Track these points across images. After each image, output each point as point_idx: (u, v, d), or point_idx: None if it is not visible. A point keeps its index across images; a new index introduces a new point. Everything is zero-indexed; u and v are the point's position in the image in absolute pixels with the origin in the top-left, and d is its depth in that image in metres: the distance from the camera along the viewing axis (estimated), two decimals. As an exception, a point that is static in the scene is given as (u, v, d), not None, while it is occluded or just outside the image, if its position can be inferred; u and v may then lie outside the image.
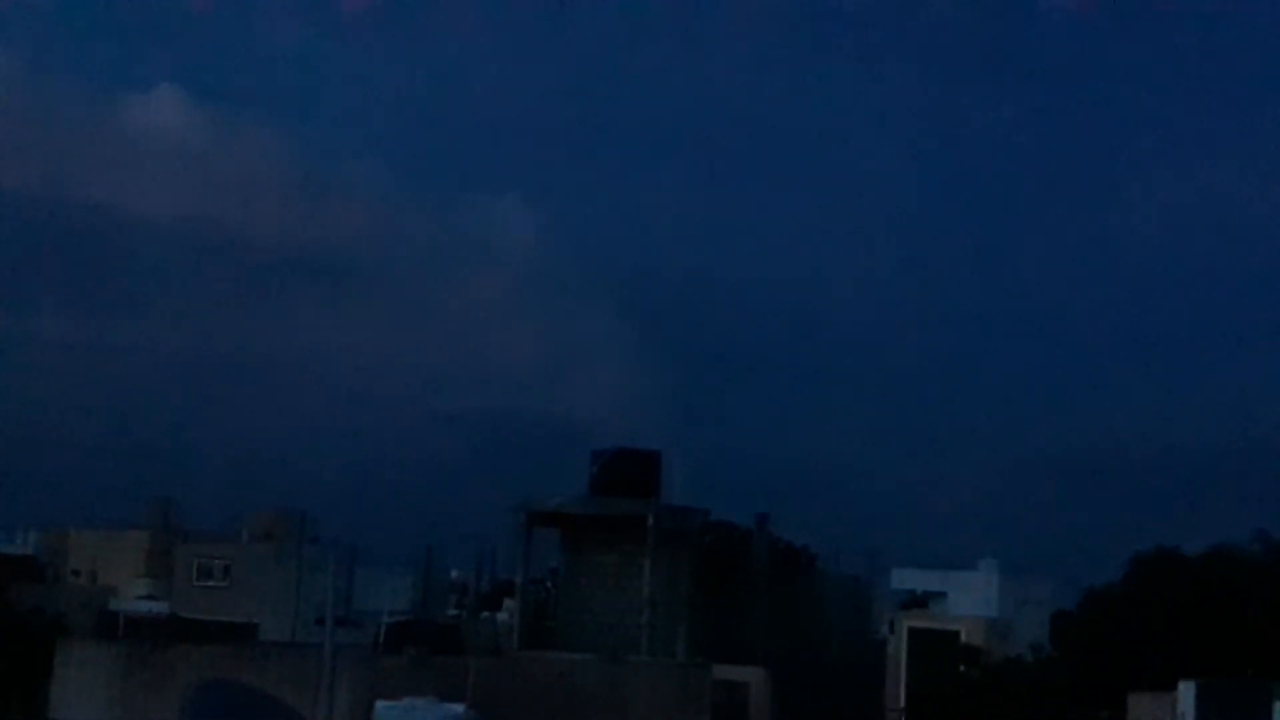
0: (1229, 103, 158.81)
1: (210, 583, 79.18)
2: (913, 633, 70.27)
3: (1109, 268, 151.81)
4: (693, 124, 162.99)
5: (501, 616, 73.32)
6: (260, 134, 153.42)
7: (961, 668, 67.43)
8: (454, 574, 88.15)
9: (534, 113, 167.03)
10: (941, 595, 77.03)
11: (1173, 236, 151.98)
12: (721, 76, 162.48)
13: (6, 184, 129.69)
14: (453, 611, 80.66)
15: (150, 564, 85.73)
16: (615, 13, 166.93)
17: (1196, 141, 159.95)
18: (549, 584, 66.68)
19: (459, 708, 39.94)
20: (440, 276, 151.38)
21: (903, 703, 67.70)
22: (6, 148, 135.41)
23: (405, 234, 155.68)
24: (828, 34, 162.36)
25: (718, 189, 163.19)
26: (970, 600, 75.09)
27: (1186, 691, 51.09)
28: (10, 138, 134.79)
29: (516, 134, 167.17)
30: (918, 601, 76.20)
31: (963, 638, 70.04)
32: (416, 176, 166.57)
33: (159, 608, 74.37)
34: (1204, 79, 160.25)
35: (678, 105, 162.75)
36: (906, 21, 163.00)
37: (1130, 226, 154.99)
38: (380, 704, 39.82)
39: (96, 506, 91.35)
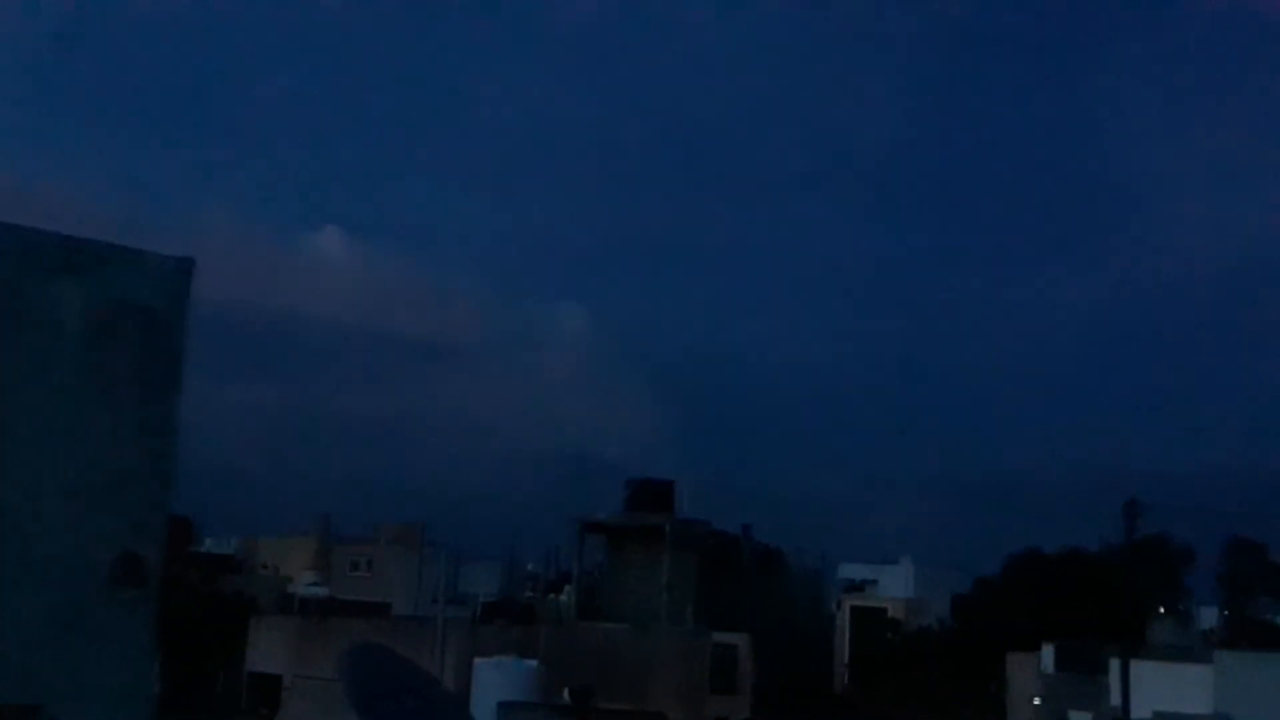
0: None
1: (358, 574, 79.37)
2: (853, 610, 70.32)
3: (1001, 343, 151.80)
4: (699, 246, 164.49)
5: (563, 598, 73.41)
6: (394, 259, 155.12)
7: (888, 635, 67.49)
8: (530, 566, 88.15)
9: (587, 238, 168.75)
10: (874, 582, 77.05)
11: (1049, 320, 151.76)
12: (715, 212, 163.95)
13: (225, 295, 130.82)
14: (529, 594, 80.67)
15: (316, 560, 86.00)
16: (628, 164, 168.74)
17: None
18: (596, 574, 66.79)
19: (533, 663, 39.99)
20: (520, 357, 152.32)
21: (847, 660, 67.68)
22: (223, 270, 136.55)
23: (495, 327, 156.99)
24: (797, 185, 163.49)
25: (717, 294, 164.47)
26: (894, 585, 75.17)
27: (1047, 652, 51.22)
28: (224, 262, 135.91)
29: (571, 253, 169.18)
30: (857, 587, 76.24)
31: (889, 613, 70.10)
32: (503, 285, 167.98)
33: (322, 591, 74.63)
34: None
35: (688, 233, 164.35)
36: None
37: (1019, 312, 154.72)
38: (478, 661, 39.94)
39: (277, 520, 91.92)
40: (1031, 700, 50.16)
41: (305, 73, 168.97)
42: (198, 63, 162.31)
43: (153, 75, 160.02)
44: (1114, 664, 45.99)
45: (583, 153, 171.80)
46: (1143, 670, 43.71)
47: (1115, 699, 44.66)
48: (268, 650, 50.66)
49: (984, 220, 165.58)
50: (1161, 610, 58.53)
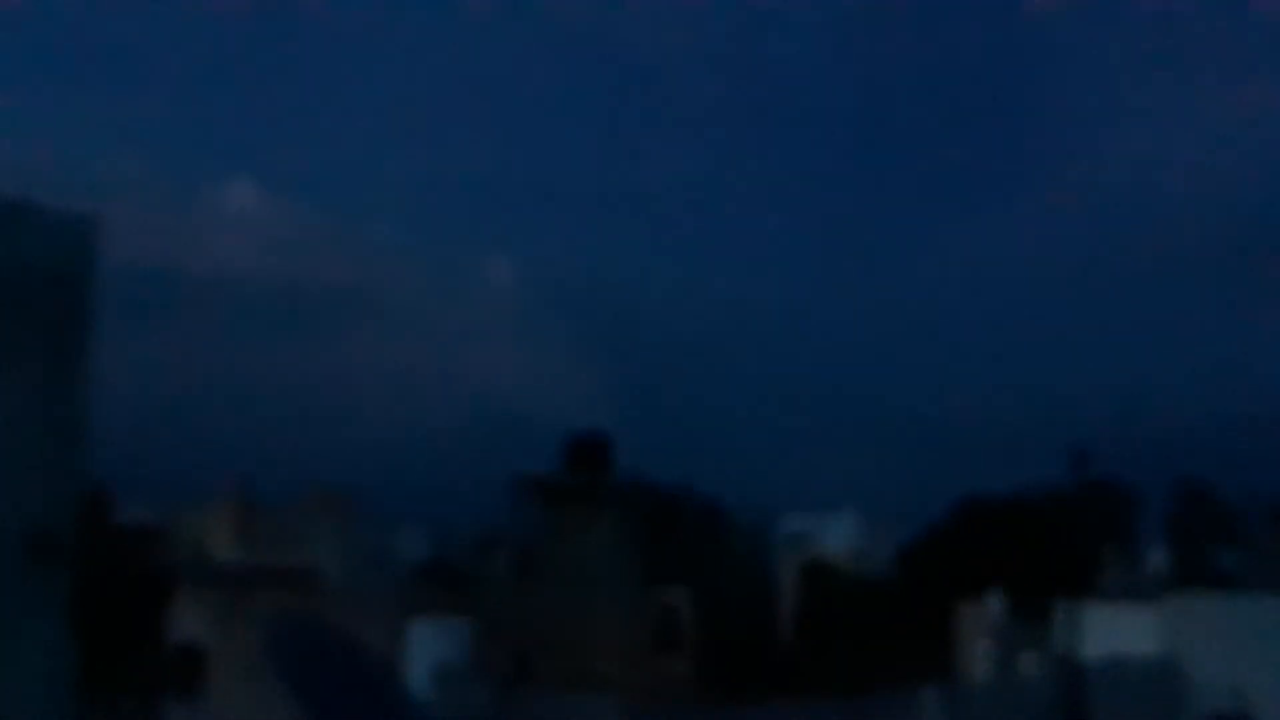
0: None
1: (283, 541, 78.95)
2: (798, 562, 71.12)
3: (936, 286, 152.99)
4: (637, 192, 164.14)
5: (499, 559, 73.56)
6: (311, 210, 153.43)
7: (832, 585, 68.31)
8: (463, 528, 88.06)
9: (515, 183, 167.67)
10: (817, 533, 77.87)
11: (990, 262, 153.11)
12: (654, 155, 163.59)
13: (126, 255, 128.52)
14: (463, 556, 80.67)
15: (238, 528, 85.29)
16: (569, 104, 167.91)
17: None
18: (533, 535, 66.91)
19: (469, 625, 40.16)
20: (447, 310, 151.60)
21: (792, 612, 68.52)
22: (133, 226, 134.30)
23: (420, 280, 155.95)
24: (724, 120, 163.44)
25: (658, 242, 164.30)
26: (838, 536, 76.04)
27: (995, 600, 52.20)
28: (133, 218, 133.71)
29: (498, 200, 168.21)
30: (800, 539, 76.97)
31: (833, 564, 70.97)
32: (424, 234, 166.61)
33: (244, 561, 74.09)
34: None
35: (626, 178, 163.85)
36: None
37: (967, 234, 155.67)
38: (412, 624, 40.00)
39: (197, 487, 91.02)
40: (981, 647, 51.18)
41: (214, 18, 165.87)
42: (102, 7, 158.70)
43: (51, 19, 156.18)
44: (1063, 609, 46.97)
45: (507, 94, 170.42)
46: (1091, 614, 44.67)
47: (1064, 643, 45.64)
48: (191, 623, 50.52)
49: (924, 151, 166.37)
50: (1110, 554, 59.71)
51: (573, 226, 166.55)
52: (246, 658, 44.58)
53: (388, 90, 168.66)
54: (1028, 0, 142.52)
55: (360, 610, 45.57)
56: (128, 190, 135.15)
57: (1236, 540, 62.15)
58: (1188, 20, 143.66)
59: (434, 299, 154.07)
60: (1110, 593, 51.10)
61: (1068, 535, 56.04)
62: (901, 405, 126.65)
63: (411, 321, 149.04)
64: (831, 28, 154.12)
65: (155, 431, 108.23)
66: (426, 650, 34.32)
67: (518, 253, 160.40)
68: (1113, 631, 40.31)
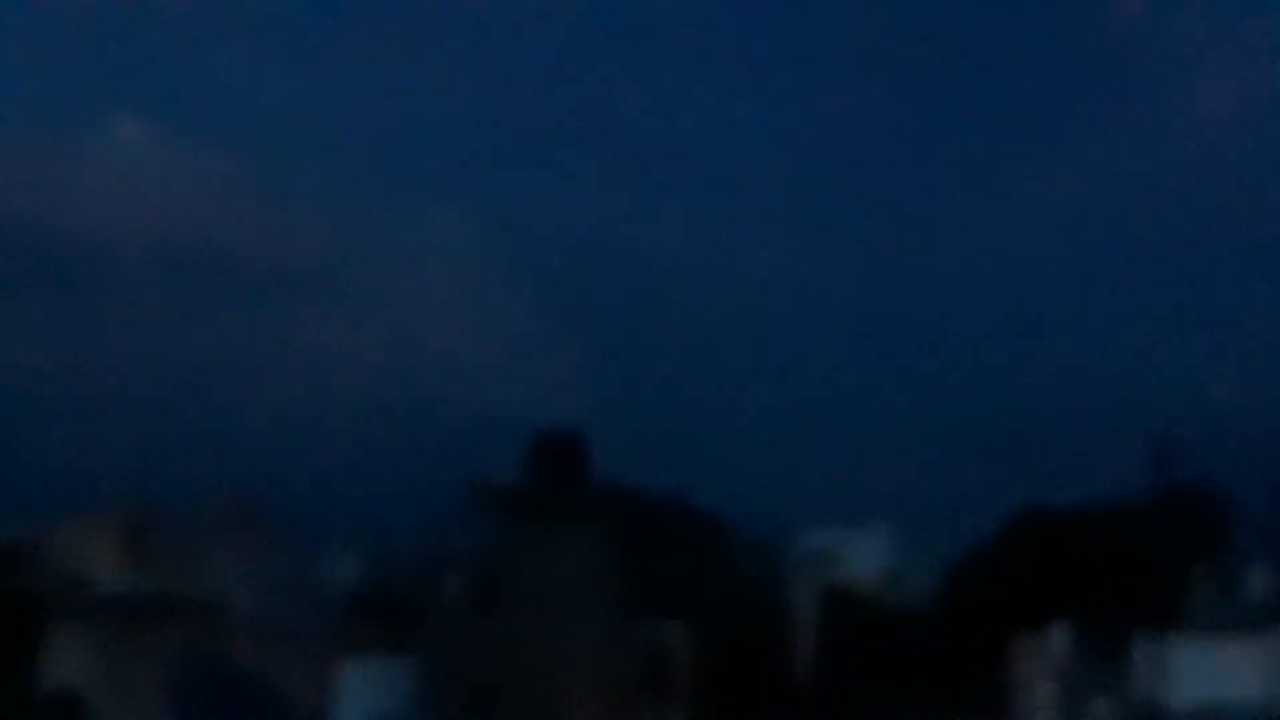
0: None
1: (181, 563, 78.83)
2: (817, 587, 71.09)
3: (983, 249, 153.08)
4: (608, 134, 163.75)
5: (448, 583, 73.56)
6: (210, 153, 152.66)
7: (860, 615, 68.35)
8: (404, 546, 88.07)
9: (460, 126, 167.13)
10: (842, 552, 77.90)
11: (1042, 215, 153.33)
12: (631, 93, 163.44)
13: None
14: (404, 581, 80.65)
15: (125, 548, 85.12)
16: (533, 36, 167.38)
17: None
18: (492, 554, 66.87)
19: (413, 665, 40.27)
20: (382, 278, 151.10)
21: (810, 648, 68.55)
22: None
23: (348, 240, 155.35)
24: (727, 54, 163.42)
25: (634, 191, 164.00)
26: (868, 556, 76.01)
27: (1059, 634, 52.30)
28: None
29: (444, 146, 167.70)
30: (821, 558, 77.01)
31: (861, 590, 70.96)
32: (354, 186, 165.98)
33: (134, 588, 73.95)
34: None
35: (595, 119, 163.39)
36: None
37: (1006, 209, 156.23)
38: (343, 668, 40.06)
39: (73, 497, 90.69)
40: (1042, 690, 51.24)
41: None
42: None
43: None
44: (1143, 644, 47.04)
45: (454, 10, 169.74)
46: (1179, 650, 44.74)
47: (1146, 686, 45.71)
48: (66, 665, 50.33)
49: (970, 90, 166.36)
50: (1202, 576, 59.81)
51: (538, 172, 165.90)
52: (136, 708, 44.46)
53: (313, 12, 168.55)
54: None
55: (279, 649, 45.50)
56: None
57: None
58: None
59: (366, 264, 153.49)
60: (1202, 624, 51.19)
61: (1148, 553, 56.07)
62: (944, 398, 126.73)
63: (339, 292, 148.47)
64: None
65: (21, 428, 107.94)
66: (361, 697, 34.35)
67: (470, 205, 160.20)
68: (1207, 671, 40.41)
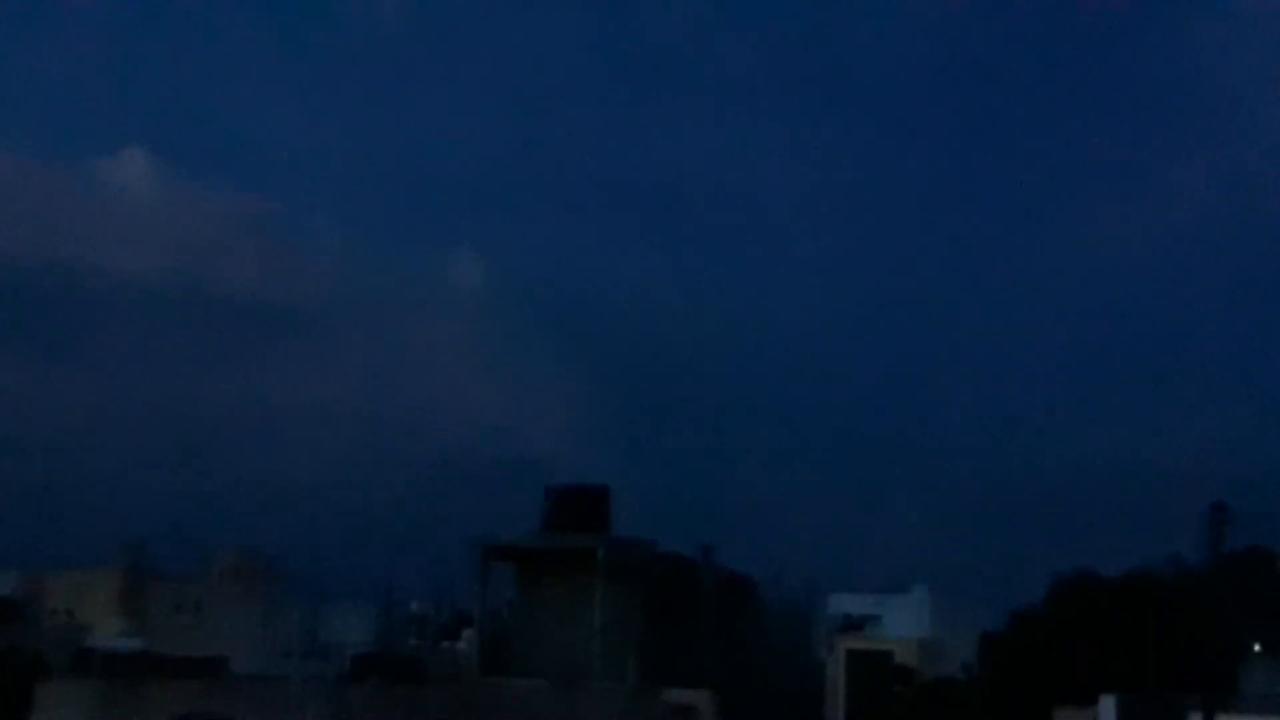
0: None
1: (182, 619, 78.69)
2: (850, 654, 70.55)
3: (1027, 311, 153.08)
4: (633, 182, 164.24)
5: (461, 646, 73.19)
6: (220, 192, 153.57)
7: (896, 687, 67.77)
8: (414, 606, 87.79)
9: (479, 169, 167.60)
10: (876, 618, 77.39)
11: (1089, 278, 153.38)
12: (660, 141, 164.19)
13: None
14: (414, 642, 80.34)
15: (124, 602, 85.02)
16: (557, 79, 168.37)
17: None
18: (505, 615, 66.56)
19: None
20: (396, 324, 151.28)
21: (843, 718, 67.97)
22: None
23: (361, 284, 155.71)
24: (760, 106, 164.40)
25: (656, 238, 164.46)
26: (904, 622, 75.49)
27: (1107, 706, 51.50)
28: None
29: (463, 189, 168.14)
30: (854, 624, 76.51)
31: (897, 658, 70.40)
32: (372, 230, 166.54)
33: (133, 644, 73.67)
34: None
35: (620, 166, 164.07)
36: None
37: (1045, 271, 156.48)
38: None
39: (71, 548, 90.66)
40: (1087, 770, 50.61)
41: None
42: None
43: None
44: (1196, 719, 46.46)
45: (470, 52, 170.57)
46: (1235, 728, 44.21)
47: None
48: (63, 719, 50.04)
49: (1010, 141, 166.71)
50: (1258, 648, 59.17)
51: (557, 218, 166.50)
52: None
53: (326, 47, 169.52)
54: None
55: (283, 711, 45.10)
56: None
57: None
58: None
59: (381, 309, 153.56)
60: (1257, 699, 50.49)
61: (1202, 622, 55.39)
62: (984, 460, 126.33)
63: (353, 338, 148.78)
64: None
65: (18, 476, 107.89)
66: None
67: (488, 250, 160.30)
68: (1266, 750, 39.78)
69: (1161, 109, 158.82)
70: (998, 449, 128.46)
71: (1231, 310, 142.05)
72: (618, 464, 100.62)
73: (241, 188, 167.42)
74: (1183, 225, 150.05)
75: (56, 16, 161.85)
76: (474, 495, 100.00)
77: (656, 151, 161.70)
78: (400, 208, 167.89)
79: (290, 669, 48.64)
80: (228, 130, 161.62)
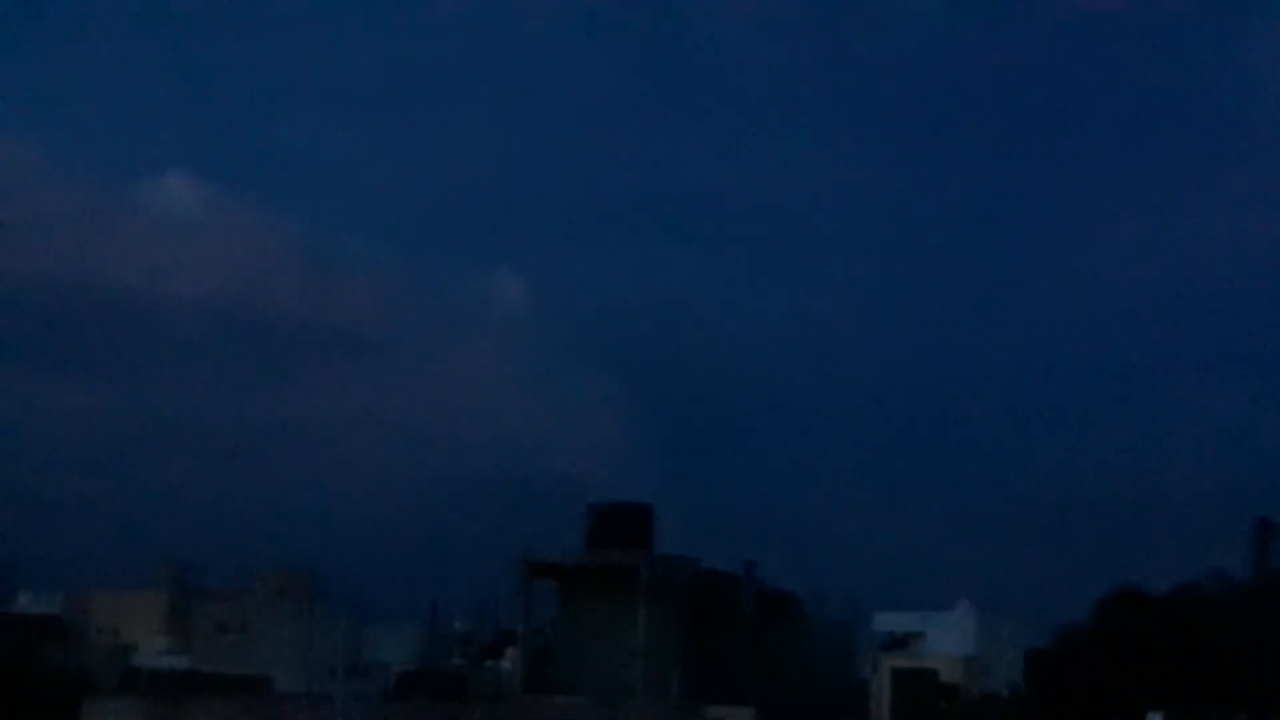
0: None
1: (228, 638, 79.08)
2: (894, 672, 70.39)
3: (1070, 324, 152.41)
4: (673, 200, 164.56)
5: (504, 664, 73.33)
6: (266, 215, 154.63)
7: (941, 705, 67.60)
8: (458, 625, 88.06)
9: (524, 190, 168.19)
10: (921, 635, 77.27)
11: (1133, 290, 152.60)
12: (698, 156, 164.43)
13: (34, 265, 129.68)
14: (457, 661, 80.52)
15: (169, 621, 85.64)
16: (594, 97, 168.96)
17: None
18: (548, 633, 66.67)
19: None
20: (439, 345, 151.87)
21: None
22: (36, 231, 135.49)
23: (405, 306, 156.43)
24: (794, 120, 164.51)
25: (698, 257, 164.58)
26: (948, 640, 75.36)
27: (1154, 722, 51.43)
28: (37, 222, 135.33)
29: (508, 210, 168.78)
30: (898, 642, 76.39)
31: (942, 676, 70.22)
32: (413, 252, 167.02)
33: (179, 663, 74.25)
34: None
35: (658, 181, 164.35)
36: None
37: (1089, 281, 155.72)
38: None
39: (117, 567, 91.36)
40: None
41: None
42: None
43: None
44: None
45: (515, 76, 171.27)
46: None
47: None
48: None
49: (1056, 158, 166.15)
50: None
51: (597, 236, 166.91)
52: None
53: (367, 72, 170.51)
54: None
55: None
56: (33, 186, 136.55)
57: None
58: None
59: (423, 329, 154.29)
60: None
61: (1248, 637, 55.09)
62: (1031, 476, 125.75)
63: (396, 358, 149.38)
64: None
65: (65, 496, 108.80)
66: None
67: (528, 269, 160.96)
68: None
69: (1194, 119, 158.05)
70: (1043, 465, 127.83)
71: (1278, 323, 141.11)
72: (660, 481, 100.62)
73: (284, 210, 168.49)
74: (1223, 234, 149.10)
75: (101, 39, 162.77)
76: (517, 513, 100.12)
77: (696, 168, 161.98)
78: (441, 228, 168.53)
79: (334, 687, 48.81)
80: (271, 153, 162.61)
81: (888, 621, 77.28)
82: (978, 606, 77.45)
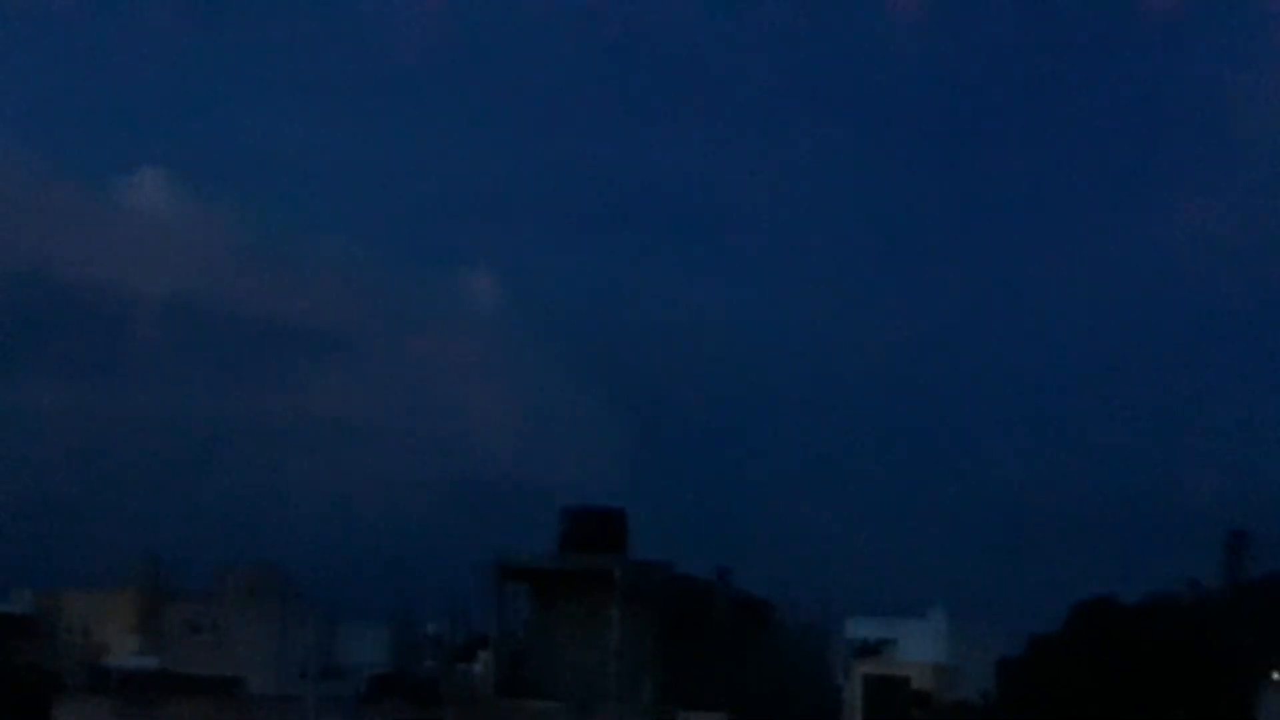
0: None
1: (199, 638, 78.88)
2: (866, 679, 70.54)
3: (1048, 331, 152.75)
4: (646, 198, 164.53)
5: (476, 668, 73.20)
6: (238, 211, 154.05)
7: (913, 712, 67.76)
8: (430, 627, 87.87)
9: (496, 187, 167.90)
10: (893, 642, 77.30)
11: (1113, 297, 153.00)
12: (675, 156, 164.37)
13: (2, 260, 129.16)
14: (430, 664, 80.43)
15: (141, 621, 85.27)
16: (574, 96, 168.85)
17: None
18: (521, 636, 66.62)
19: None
20: (411, 344, 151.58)
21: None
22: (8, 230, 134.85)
23: (377, 304, 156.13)
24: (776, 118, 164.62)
25: (673, 259, 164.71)
26: (921, 647, 75.40)
27: (1126, 732, 51.59)
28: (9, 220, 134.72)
29: (480, 208, 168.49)
30: (871, 649, 76.41)
31: (914, 683, 70.36)
32: (387, 250, 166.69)
33: (149, 663, 73.99)
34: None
35: (633, 181, 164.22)
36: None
37: (1071, 289, 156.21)
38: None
39: (87, 566, 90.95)
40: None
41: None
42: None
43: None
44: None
45: (489, 69, 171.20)
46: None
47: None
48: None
49: (1051, 158, 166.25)
50: (1277, 675, 59.13)
51: (575, 239, 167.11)
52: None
53: (337, 66, 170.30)
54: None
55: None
56: (5, 183, 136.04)
57: None
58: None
59: (398, 329, 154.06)
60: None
61: (1221, 651, 55.33)
62: (1002, 481, 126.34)
63: (368, 357, 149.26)
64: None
65: (35, 494, 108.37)
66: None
67: (505, 270, 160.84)
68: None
69: (1185, 117, 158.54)
70: (1016, 473, 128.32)
71: (1256, 334, 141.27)
72: (634, 486, 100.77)
73: (259, 206, 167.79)
74: (1205, 246, 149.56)
75: (73, 34, 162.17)
76: (490, 516, 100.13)
77: (674, 172, 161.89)
78: (417, 227, 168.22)
79: (307, 689, 48.73)
80: (245, 149, 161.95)
81: (860, 628, 77.29)
82: (950, 614, 77.50)
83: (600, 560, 60.34)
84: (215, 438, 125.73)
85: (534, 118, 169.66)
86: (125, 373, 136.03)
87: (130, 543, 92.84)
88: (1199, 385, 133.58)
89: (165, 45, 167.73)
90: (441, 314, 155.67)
